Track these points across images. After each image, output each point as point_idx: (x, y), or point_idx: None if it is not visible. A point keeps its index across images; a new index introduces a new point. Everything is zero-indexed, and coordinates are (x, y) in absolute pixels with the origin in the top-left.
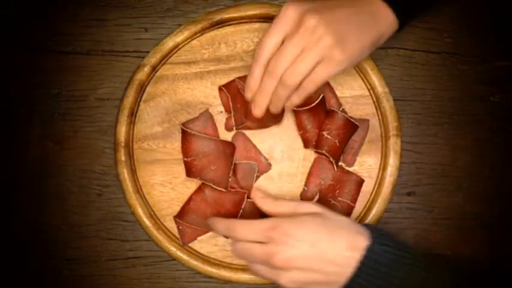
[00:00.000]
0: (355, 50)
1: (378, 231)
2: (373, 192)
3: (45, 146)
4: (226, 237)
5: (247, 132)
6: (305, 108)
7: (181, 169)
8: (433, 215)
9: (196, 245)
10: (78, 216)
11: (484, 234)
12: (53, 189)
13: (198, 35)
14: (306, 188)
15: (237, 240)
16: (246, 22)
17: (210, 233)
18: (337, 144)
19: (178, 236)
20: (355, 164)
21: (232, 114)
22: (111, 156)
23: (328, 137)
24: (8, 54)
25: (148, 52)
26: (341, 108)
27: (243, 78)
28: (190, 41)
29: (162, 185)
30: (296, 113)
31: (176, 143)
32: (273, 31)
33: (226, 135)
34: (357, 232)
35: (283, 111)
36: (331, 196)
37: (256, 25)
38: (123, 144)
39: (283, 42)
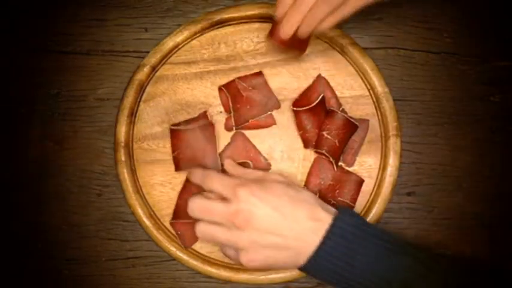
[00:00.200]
0: None
1: (346, 210)
2: (373, 192)
3: (45, 146)
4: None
5: (247, 132)
6: (305, 108)
7: None
8: (433, 215)
9: (196, 245)
10: (78, 216)
11: (484, 234)
12: (53, 189)
13: (198, 35)
14: (305, 188)
15: (208, 188)
16: (246, 22)
17: None
18: (337, 144)
19: (179, 241)
20: (355, 164)
21: (232, 114)
22: (111, 156)
23: (328, 137)
24: (8, 54)
25: (148, 52)
26: (341, 108)
27: (243, 78)
28: (190, 41)
29: (162, 185)
30: (296, 113)
31: None
32: None
33: (226, 136)
34: (321, 206)
35: (308, 38)
36: (331, 196)
37: (256, 25)
38: (123, 144)
39: None
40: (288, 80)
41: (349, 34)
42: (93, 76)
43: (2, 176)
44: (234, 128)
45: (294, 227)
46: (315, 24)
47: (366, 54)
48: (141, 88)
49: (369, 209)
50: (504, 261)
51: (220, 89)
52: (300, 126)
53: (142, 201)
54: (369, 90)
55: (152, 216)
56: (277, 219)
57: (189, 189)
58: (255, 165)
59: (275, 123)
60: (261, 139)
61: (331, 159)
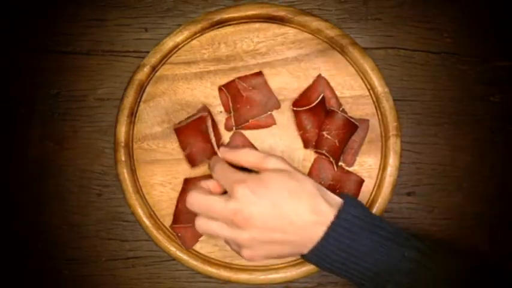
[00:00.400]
0: None
1: (351, 201)
2: (373, 192)
3: (45, 146)
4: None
5: (247, 133)
6: (305, 108)
7: (181, 169)
8: (433, 215)
9: (196, 245)
10: (78, 216)
11: (484, 234)
12: (53, 189)
13: (197, 35)
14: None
15: (213, 173)
16: (246, 22)
17: None
18: (337, 144)
19: (179, 242)
20: (355, 164)
21: (232, 114)
22: (111, 156)
23: (328, 137)
24: (8, 54)
25: (148, 52)
26: (341, 108)
27: (243, 78)
28: (190, 41)
29: (162, 185)
30: (296, 113)
31: (176, 143)
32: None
33: (226, 136)
34: (324, 197)
35: None
36: None
37: (256, 25)
38: (123, 144)
39: None
40: (288, 80)
41: (349, 34)
42: (93, 76)
43: (2, 176)
44: (234, 128)
45: (295, 222)
46: None
47: (366, 54)
48: (141, 88)
49: (369, 209)
50: (504, 261)
51: (220, 89)
52: (300, 126)
53: (142, 201)
54: (368, 90)
55: (152, 216)
56: (278, 216)
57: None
58: None
59: (275, 123)
60: (261, 139)
61: (331, 159)
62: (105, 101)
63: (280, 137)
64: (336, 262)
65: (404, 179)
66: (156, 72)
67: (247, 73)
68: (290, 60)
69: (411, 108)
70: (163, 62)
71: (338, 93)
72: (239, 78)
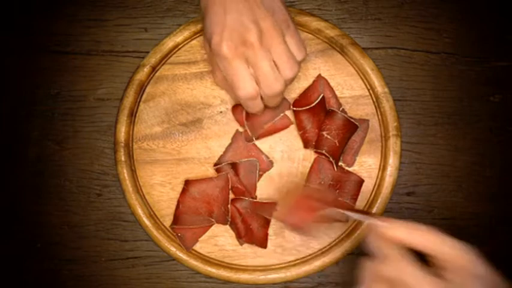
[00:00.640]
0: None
1: None
2: (373, 192)
3: (45, 146)
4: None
5: (267, 139)
6: (305, 108)
7: (181, 169)
8: (433, 215)
9: (196, 245)
10: (78, 216)
11: (484, 234)
12: (53, 189)
13: (197, 35)
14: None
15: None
16: None
17: (209, 233)
18: (337, 144)
19: (179, 243)
20: (355, 164)
21: (246, 127)
22: (111, 156)
23: (328, 137)
24: (8, 54)
25: (148, 52)
26: (341, 109)
27: None
28: (190, 41)
29: (162, 185)
30: (296, 113)
31: (176, 143)
32: None
33: (227, 136)
34: None
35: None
36: None
37: None
38: (122, 144)
39: None
40: None
41: (349, 34)
42: (93, 76)
43: (2, 176)
44: (254, 139)
45: None
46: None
47: (366, 55)
48: (141, 88)
49: (368, 209)
50: (504, 261)
51: (234, 107)
52: (300, 126)
53: (142, 201)
54: (368, 90)
55: (152, 216)
56: None
57: (189, 195)
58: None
59: (292, 123)
60: (261, 139)
61: (331, 159)
62: (105, 101)
63: (280, 137)
64: None
65: (404, 179)
66: (156, 72)
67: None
68: None
69: (411, 108)
70: (163, 62)
71: (338, 93)
72: None
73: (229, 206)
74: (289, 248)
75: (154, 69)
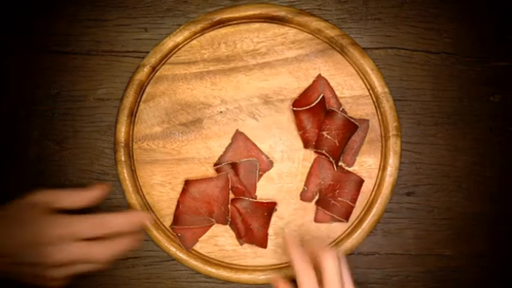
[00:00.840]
0: None
1: None
2: (373, 192)
3: (45, 146)
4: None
5: (246, 127)
6: (305, 108)
7: (181, 169)
8: (433, 215)
9: (196, 245)
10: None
11: (484, 234)
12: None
13: (197, 35)
14: (305, 188)
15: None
16: (246, 22)
17: (209, 233)
18: (337, 144)
19: (179, 243)
20: (355, 164)
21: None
22: (111, 156)
23: (328, 137)
24: (8, 54)
25: (148, 52)
26: (341, 108)
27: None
28: (190, 41)
29: (162, 185)
30: (296, 113)
31: (176, 143)
32: None
33: (227, 136)
34: None
35: None
36: (331, 196)
37: (256, 25)
38: (122, 144)
39: None
40: (288, 80)
41: (349, 34)
42: (93, 76)
43: (2, 176)
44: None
45: None
46: None
47: (366, 55)
48: (141, 88)
49: (369, 209)
50: (504, 261)
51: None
52: (300, 126)
53: (142, 201)
54: (368, 90)
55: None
56: None
57: (189, 195)
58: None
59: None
60: (261, 139)
61: (331, 159)
62: (105, 101)
63: (280, 137)
64: None
65: (404, 179)
66: (156, 72)
67: (248, 73)
68: (290, 60)
69: (411, 109)
70: (163, 62)
71: (338, 93)
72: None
73: (229, 206)
74: None
75: (154, 69)
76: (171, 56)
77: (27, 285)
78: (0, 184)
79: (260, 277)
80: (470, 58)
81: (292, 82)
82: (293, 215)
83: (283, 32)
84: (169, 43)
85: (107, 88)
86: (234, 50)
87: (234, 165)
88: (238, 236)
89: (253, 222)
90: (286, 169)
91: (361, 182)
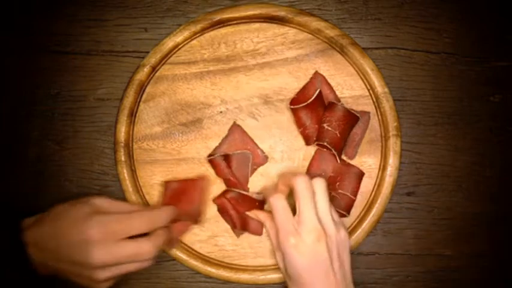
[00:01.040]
0: None
1: None
2: (373, 192)
3: (45, 146)
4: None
5: (245, 127)
6: (302, 105)
7: (180, 169)
8: (433, 215)
9: (196, 245)
10: None
11: (484, 234)
12: (53, 189)
13: (197, 35)
14: None
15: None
16: (246, 22)
17: (209, 233)
18: (339, 136)
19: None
20: (355, 164)
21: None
22: (111, 156)
23: (329, 128)
24: (8, 54)
25: (148, 52)
26: (340, 103)
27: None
28: (190, 41)
29: (162, 185)
30: (294, 111)
31: (176, 143)
32: None
33: (223, 134)
34: None
35: None
36: (332, 188)
37: (256, 25)
38: (122, 144)
39: None
40: (288, 80)
41: (349, 34)
42: (93, 76)
43: (2, 176)
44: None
45: None
46: None
47: (366, 55)
48: (141, 88)
49: (369, 209)
50: (504, 261)
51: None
52: (299, 124)
53: (142, 201)
54: (368, 90)
55: None
56: None
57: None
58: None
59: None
60: (261, 139)
61: (333, 151)
62: (105, 101)
63: (280, 137)
64: None
65: (404, 179)
66: (156, 72)
67: (248, 73)
68: (290, 60)
69: (411, 109)
70: (163, 62)
71: (338, 93)
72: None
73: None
74: None
75: (154, 69)
76: (171, 56)
77: (75, 285)
78: (0, 184)
79: (260, 277)
80: (470, 58)
81: (292, 82)
82: (284, 169)
83: (283, 32)
84: (169, 43)
85: (107, 88)
86: (234, 50)
87: (226, 157)
88: (233, 226)
89: (245, 210)
90: (286, 169)
91: (361, 174)
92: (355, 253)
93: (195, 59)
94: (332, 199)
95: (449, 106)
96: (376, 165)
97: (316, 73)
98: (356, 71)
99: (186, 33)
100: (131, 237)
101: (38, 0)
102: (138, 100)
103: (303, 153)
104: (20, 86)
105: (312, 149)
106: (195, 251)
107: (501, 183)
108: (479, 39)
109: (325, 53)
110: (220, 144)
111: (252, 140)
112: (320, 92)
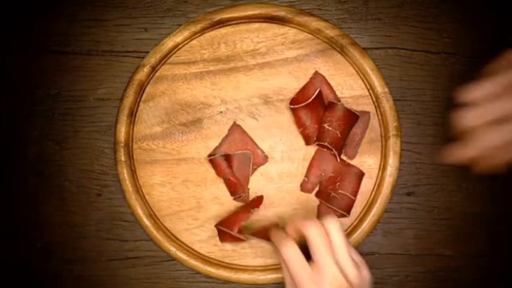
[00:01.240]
0: None
1: None
2: (373, 192)
3: (45, 146)
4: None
5: (245, 127)
6: (302, 104)
7: (180, 169)
8: (433, 215)
9: (196, 245)
10: (78, 216)
11: (484, 234)
12: (53, 189)
13: (197, 35)
14: (306, 179)
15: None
16: (246, 22)
17: (209, 233)
18: (339, 135)
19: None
20: (355, 164)
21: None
22: (111, 156)
23: (330, 128)
24: (8, 54)
25: (148, 52)
26: (340, 103)
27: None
28: (189, 41)
29: (162, 185)
30: (294, 111)
31: (176, 143)
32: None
33: (223, 134)
34: None
35: None
36: (332, 188)
37: (256, 25)
38: (122, 144)
39: None
40: (288, 80)
41: (348, 34)
42: (93, 76)
43: (2, 176)
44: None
45: None
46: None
47: (366, 55)
48: (141, 88)
49: (369, 209)
50: (504, 261)
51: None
52: (299, 124)
53: (142, 201)
54: (368, 90)
55: (152, 216)
56: None
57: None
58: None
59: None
60: (261, 139)
61: (334, 151)
62: (105, 101)
63: (280, 137)
64: None
65: (404, 179)
66: (155, 72)
67: (248, 73)
68: (290, 60)
69: (411, 108)
70: (163, 62)
71: (338, 93)
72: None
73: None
74: None
75: (154, 69)
76: (171, 56)
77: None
78: (0, 184)
79: (260, 277)
80: (470, 58)
81: (292, 82)
82: (293, 215)
83: (283, 32)
84: (169, 43)
85: (107, 88)
86: (234, 50)
87: (227, 157)
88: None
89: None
90: (286, 169)
91: (361, 174)
92: None
93: (195, 59)
94: (332, 200)
95: (449, 106)
96: (376, 165)
97: (316, 73)
98: (356, 71)
99: (186, 33)
100: None
101: (38, 0)
102: (138, 100)
103: (303, 153)
104: (20, 86)
105: (312, 149)
106: (195, 251)
107: (501, 183)
108: (479, 39)
109: (325, 53)
110: (220, 144)
111: (252, 140)
112: (320, 91)
